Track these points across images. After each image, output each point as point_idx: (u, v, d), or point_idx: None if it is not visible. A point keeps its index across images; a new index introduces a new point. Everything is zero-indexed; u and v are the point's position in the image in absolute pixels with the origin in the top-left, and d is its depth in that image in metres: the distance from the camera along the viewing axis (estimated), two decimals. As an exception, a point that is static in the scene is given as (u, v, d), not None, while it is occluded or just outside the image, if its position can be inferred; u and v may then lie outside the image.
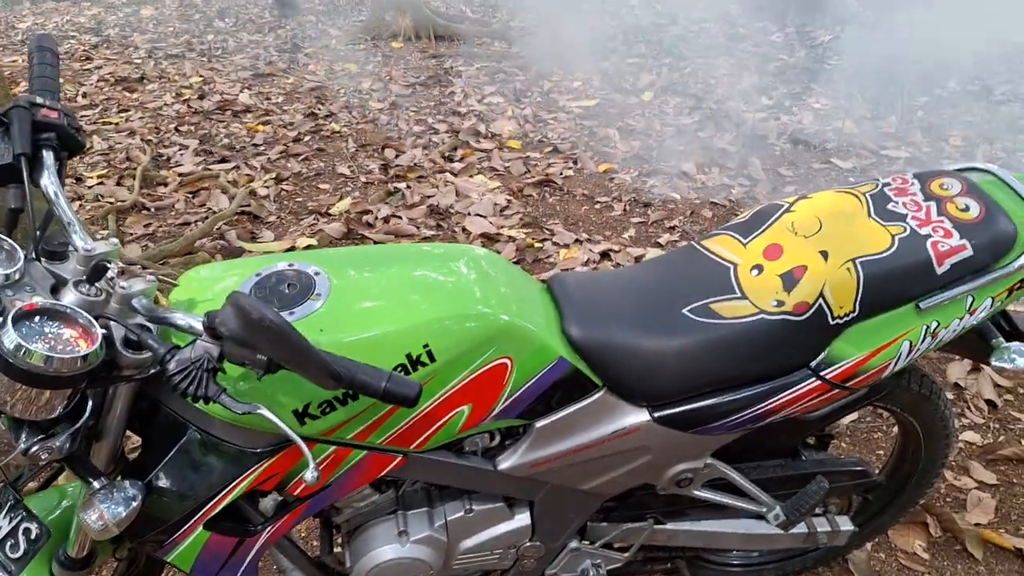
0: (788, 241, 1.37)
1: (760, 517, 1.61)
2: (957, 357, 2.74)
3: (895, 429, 2.34)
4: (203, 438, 1.13)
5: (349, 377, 0.91)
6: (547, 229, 3.88)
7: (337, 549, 1.46)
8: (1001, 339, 1.49)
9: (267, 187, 4.31)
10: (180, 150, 4.84)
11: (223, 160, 4.70)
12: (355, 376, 0.92)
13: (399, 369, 1.10)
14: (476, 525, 1.39)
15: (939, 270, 1.31)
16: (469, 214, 3.96)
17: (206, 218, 3.90)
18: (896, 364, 1.35)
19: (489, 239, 3.75)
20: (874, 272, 1.29)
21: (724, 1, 8.65)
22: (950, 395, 2.67)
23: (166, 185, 4.32)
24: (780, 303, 1.29)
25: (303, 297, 1.12)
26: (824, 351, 1.32)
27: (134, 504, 1.06)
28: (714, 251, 1.43)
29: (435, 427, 1.19)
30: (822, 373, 1.32)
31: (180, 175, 4.42)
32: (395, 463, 1.22)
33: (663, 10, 8.97)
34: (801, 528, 1.66)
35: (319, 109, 5.68)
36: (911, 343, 1.34)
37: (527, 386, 1.22)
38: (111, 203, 3.99)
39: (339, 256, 1.25)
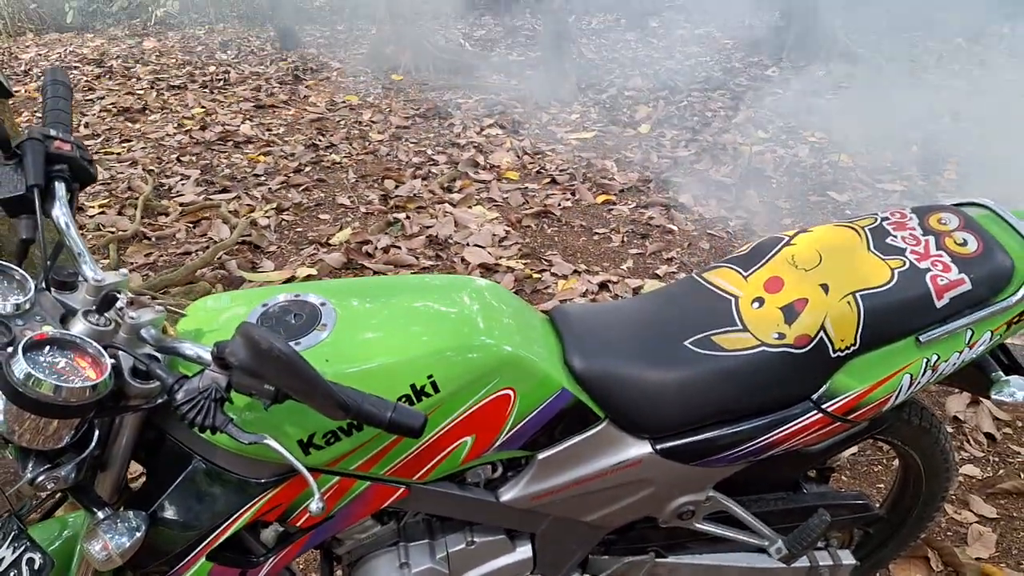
0: (789, 274, 1.38)
1: (762, 551, 1.60)
2: (956, 390, 2.74)
3: (895, 462, 2.33)
4: (208, 468, 1.13)
5: (356, 407, 0.92)
6: (545, 260, 3.90)
7: (338, 581, 1.45)
8: (1000, 373, 1.50)
9: (268, 217, 4.33)
10: (182, 180, 4.87)
11: (224, 190, 4.73)
12: (361, 406, 0.92)
13: (404, 399, 1.11)
14: (478, 557, 1.38)
15: (938, 304, 1.32)
16: (468, 244, 3.98)
17: (207, 247, 3.92)
18: (897, 397, 1.36)
19: (488, 269, 3.77)
20: (874, 305, 1.30)
21: (721, 38, 8.79)
22: (950, 428, 2.67)
23: (167, 215, 4.34)
24: (781, 335, 1.30)
25: (309, 327, 1.13)
26: (825, 384, 1.33)
27: (138, 535, 1.06)
28: (715, 283, 1.44)
29: (438, 458, 1.20)
30: (823, 406, 1.33)
31: (181, 205, 4.45)
32: (398, 494, 1.22)
33: (659, 44, 9.10)
34: (803, 562, 1.65)
35: (320, 140, 5.73)
36: (912, 376, 1.35)
37: (530, 417, 1.23)
38: (112, 232, 4.01)
39: (344, 287, 1.26)
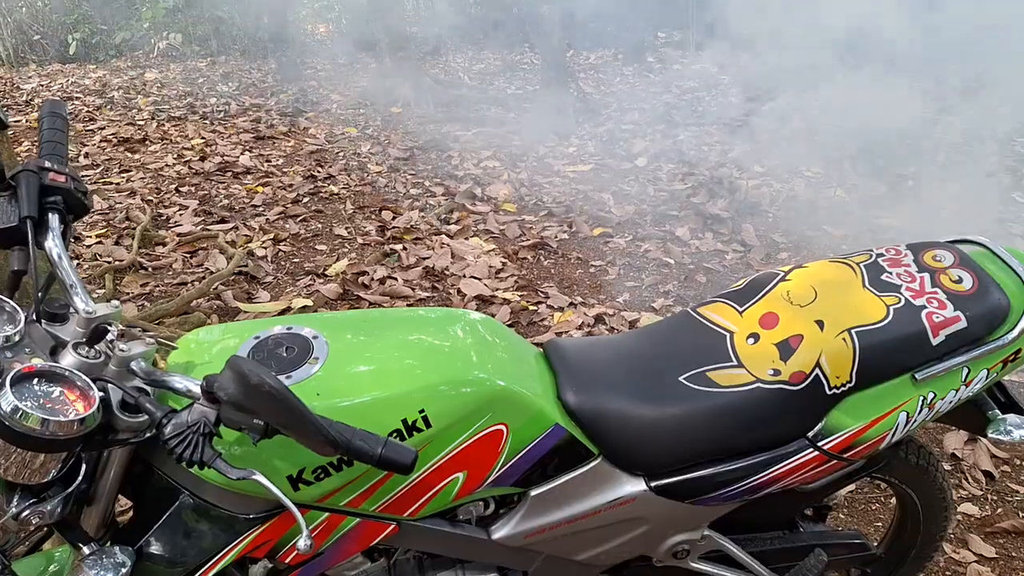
0: (784, 310, 1.38)
1: (758, 590, 1.58)
2: (954, 428, 2.73)
3: (893, 501, 2.31)
4: (195, 503, 1.12)
5: (346, 443, 0.91)
6: (542, 292, 3.90)
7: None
8: (997, 411, 1.49)
9: (265, 248, 4.33)
10: (180, 210, 4.88)
11: (222, 220, 4.74)
12: (351, 442, 0.91)
13: (395, 435, 1.10)
14: (469, 596, 1.36)
15: (934, 341, 1.32)
16: (464, 276, 3.98)
17: (203, 278, 3.91)
18: (894, 435, 1.35)
19: (484, 301, 3.76)
20: (870, 343, 1.30)
21: (717, 72, 8.88)
22: (947, 466, 2.65)
23: (164, 245, 4.34)
24: (777, 372, 1.30)
25: (301, 361, 1.12)
26: (821, 421, 1.32)
27: (123, 571, 1.04)
28: (710, 319, 1.44)
29: (430, 494, 1.18)
30: (819, 443, 1.32)
31: (179, 235, 4.45)
32: (388, 531, 1.21)
33: (656, 79, 9.19)
34: (800, 602, 1.63)
35: (318, 171, 5.75)
36: (908, 414, 1.34)
37: (522, 453, 1.22)
38: (109, 262, 4.00)
39: (336, 320, 1.26)
